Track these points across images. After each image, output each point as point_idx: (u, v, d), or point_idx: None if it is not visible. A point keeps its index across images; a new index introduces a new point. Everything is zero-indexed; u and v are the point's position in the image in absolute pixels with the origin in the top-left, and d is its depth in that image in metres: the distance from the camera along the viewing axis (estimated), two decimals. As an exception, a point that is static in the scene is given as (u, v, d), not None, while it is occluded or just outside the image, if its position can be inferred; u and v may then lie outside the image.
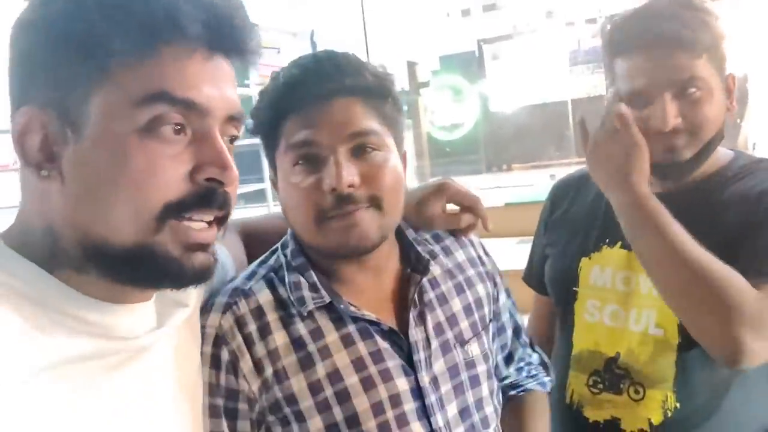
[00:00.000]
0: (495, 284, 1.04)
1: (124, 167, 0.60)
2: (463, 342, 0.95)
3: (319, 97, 0.85)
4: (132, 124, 0.60)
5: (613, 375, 1.15)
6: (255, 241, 1.03)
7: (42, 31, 0.61)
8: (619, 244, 1.17)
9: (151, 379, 0.70)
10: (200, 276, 0.65)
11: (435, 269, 0.97)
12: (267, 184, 4.68)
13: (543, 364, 1.14)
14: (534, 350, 1.14)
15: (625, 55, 1.11)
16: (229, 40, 0.64)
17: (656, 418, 1.10)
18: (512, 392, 1.08)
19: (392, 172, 0.87)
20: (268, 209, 4.33)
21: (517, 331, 1.10)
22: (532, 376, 1.11)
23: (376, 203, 0.85)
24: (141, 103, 0.59)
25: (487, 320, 1.01)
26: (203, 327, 0.86)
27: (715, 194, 1.12)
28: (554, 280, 1.27)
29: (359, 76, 0.87)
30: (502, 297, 1.06)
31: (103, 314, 0.64)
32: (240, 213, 1.07)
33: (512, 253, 1.43)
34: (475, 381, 0.95)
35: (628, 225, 1.06)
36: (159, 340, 0.71)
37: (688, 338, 1.07)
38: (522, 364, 1.11)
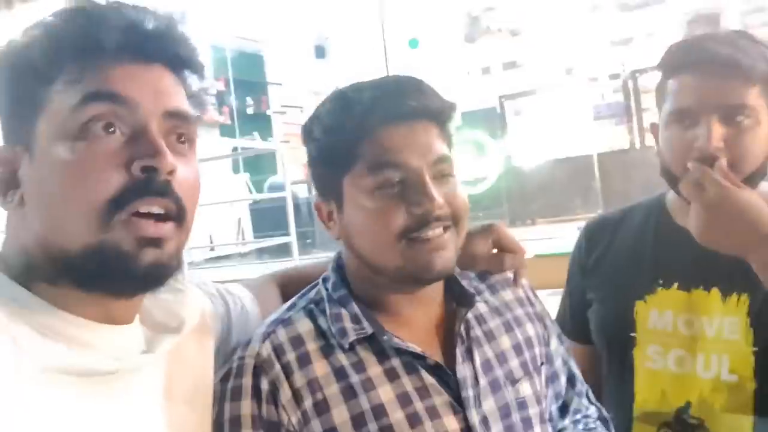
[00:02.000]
0: (545, 326, 1.01)
1: (64, 172, 0.63)
2: (513, 381, 0.91)
3: (402, 118, 0.84)
4: (69, 130, 0.63)
5: (686, 426, 1.09)
6: (294, 289, 1.01)
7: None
8: (676, 285, 1.13)
9: (137, 402, 0.69)
10: (153, 273, 0.66)
11: (481, 306, 0.95)
12: (292, 238, 4.70)
13: (602, 418, 1.07)
14: (591, 402, 1.08)
15: (679, 74, 1.10)
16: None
17: None
18: None
19: (463, 197, 0.87)
20: (293, 262, 4.31)
21: (572, 379, 1.05)
22: (589, 430, 1.05)
23: (455, 223, 0.85)
24: (76, 108, 0.63)
25: (539, 362, 0.97)
26: (241, 358, 0.84)
27: None
28: (605, 326, 1.22)
29: (437, 99, 0.87)
30: (554, 341, 1.02)
31: (89, 332, 0.65)
32: (266, 267, 1.06)
33: (545, 305, 1.40)
34: (527, 424, 0.90)
35: None
36: (147, 365, 0.70)
37: (764, 384, 1.03)
38: (578, 416, 1.05)
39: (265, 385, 0.82)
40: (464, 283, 0.93)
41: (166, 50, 0.69)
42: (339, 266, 0.93)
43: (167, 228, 0.67)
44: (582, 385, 1.08)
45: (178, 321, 0.76)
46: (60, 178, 0.63)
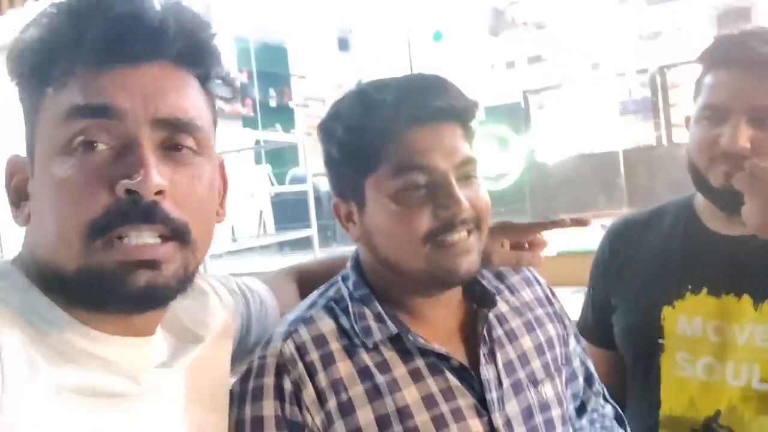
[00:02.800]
0: (564, 326, 1.01)
1: (52, 189, 0.61)
2: (536, 382, 0.91)
3: (428, 119, 0.83)
4: (54, 146, 0.61)
5: None
6: (311, 286, 0.99)
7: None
8: (705, 290, 1.11)
9: (157, 421, 0.67)
10: (148, 296, 0.62)
11: (502, 306, 0.94)
12: (313, 231, 4.70)
13: (618, 417, 1.08)
14: (607, 401, 1.08)
15: (717, 69, 1.08)
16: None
17: None
18: None
19: (486, 198, 0.87)
20: (314, 255, 4.31)
21: (589, 379, 1.05)
22: (605, 428, 1.05)
23: (478, 226, 0.84)
24: (60, 123, 0.60)
25: (560, 362, 0.96)
26: (262, 358, 0.83)
27: None
28: (630, 332, 1.20)
29: (461, 98, 0.86)
30: (572, 341, 1.02)
31: (107, 347, 0.63)
32: (287, 260, 1.06)
33: (568, 303, 1.39)
34: (550, 426, 0.90)
35: None
36: (168, 380, 0.68)
37: None
38: (595, 415, 1.06)
39: (288, 384, 0.81)
40: (484, 283, 0.93)
41: (164, 46, 0.63)
42: (358, 264, 0.91)
43: (165, 250, 0.62)
44: (599, 385, 1.07)
45: (203, 328, 0.75)
46: (49, 195, 0.61)
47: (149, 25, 0.62)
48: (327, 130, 0.88)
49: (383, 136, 0.82)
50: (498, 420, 0.85)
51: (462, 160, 0.84)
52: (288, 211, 6.71)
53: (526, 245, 1.03)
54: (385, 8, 6.89)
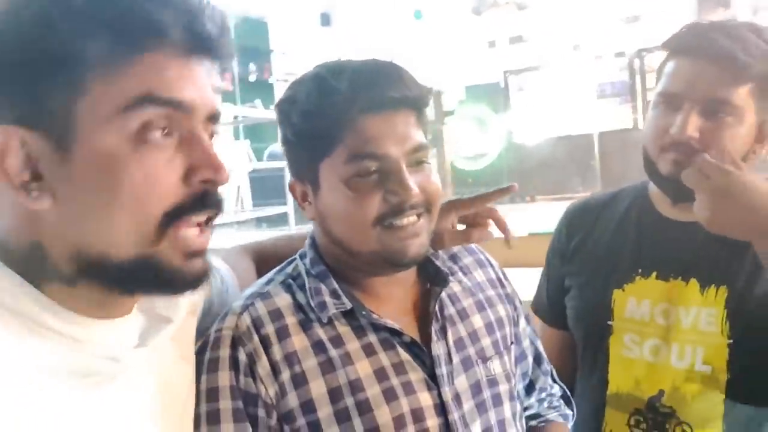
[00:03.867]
0: (515, 308, 1.04)
1: (122, 180, 0.59)
2: (485, 359, 0.93)
3: (382, 107, 0.84)
4: (122, 133, 0.58)
5: (658, 414, 1.11)
6: (268, 263, 1.01)
7: (9, 43, 0.57)
8: (655, 274, 1.13)
9: (130, 401, 0.68)
10: (199, 281, 0.65)
11: (454, 286, 0.96)
12: (289, 208, 4.70)
13: (565, 396, 1.12)
14: (555, 381, 1.12)
15: (677, 56, 1.09)
16: (208, 42, 0.63)
17: None
18: (533, 422, 1.05)
19: (437, 183, 0.89)
20: (290, 231, 4.32)
21: (538, 358, 1.08)
22: (553, 407, 1.09)
23: (428, 210, 0.86)
24: (127, 109, 0.58)
25: (509, 341, 0.99)
26: (218, 331, 0.85)
27: None
28: (582, 314, 1.22)
29: (416, 87, 0.87)
30: (522, 322, 1.05)
31: (84, 329, 0.62)
32: (262, 235, 1.06)
33: (537, 283, 1.42)
34: (497, 400, 0.93)
35: None
36: (140, 360, 0.68)
37: (738, 376, 1.04)
38: (543, 394, 1.09)
39: (243, 356, 0.83)
40: (438, 263, 0.95)
41: (214, 44, 0.63)
42: (315, 243, 0.94)
43: (207, 237, 0.66)
44: (547, 365, 1.11)
45: (174, 308, 0.75)
46: (117, 184, 0.59)
47: (219, 24, 0.63)
48: (283, 112, 0.90)
49: (337, 122, 0.84)
50: (447, 394, 0.87)
51: (413, 147, 0.86)
52: (265, 187, 6.70)
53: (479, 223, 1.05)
54: (367, -16, 6.83)
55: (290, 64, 9.54)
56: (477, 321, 0.96)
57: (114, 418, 0.65)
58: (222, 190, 0.66)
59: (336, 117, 0.83)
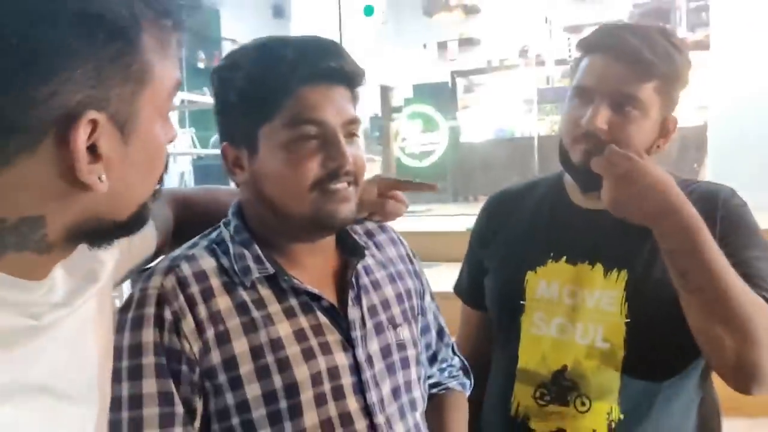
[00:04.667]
0: (422, 283, 1.12)
1: (159, 159, 0.66)
2: (395, 325, 1.01)
3: (323, 79, 0.91)
4: (162, 117, 0.64)
5: (561, 387, 1.18)
6: (188, 213, 1.05)
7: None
8: (564, 258, 1.22)
9: (57, 356, 0.67)
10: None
11: (369, 259, 1.04)
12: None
13: (464, 368, 1.21)
14: (455, 354, 1.21)
15: (588, 54, 1.18)
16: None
17: (601, 429, 1.14)
18: (434, 390, 1.13)
19: (363, 157, 0.96)
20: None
21: (440, 332, 1.17)
22: (453, 377, 1.18)
23: (356, 181, 0.94)
24: (169, 97, 0.64)
25: (416, 312, 1.08)
26: (143, 290, 0.88)
27: None
28: (498, 293, 1.31)
29: (353, 64, 0.95)
30: (428, 297, 1.14)
31: (19, 290, 0.62)
32: None
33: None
34: (405, 363, 1.01)
35: (676, 249, 1.03)
36: (67, 318, 0.68)
37: (633, 352, 1.14)
38: (444, 365, 1.18)
39: (168, 314, 0.86)
40: (356, 237, 1.02)
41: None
42: (240, 211, 0.98)
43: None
44: (449, 338, 1.19)
45: (101, 267, 0.76)
46: (154, 163, 0.66)
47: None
48: (224, 78, 0.93)
49: (281, 88, 0.89)
50: (361, 355, 0.94)
51: (349, 119, 0.92)
52: (210, 175, 6.64)
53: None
54: (321, -22, 6.84)
55: (240, 54, 9.44)
56: (389, 291, 1.04)
57: (37, 375, 0.63)
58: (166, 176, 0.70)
59: (280, 83, 0.89)
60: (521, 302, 1.24)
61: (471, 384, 1.21)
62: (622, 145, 1.08)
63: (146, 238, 0.96)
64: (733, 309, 1.00)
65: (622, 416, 1.14)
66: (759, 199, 4.40)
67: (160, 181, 0.68)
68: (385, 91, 7.57)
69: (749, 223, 1.17)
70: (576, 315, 1.19)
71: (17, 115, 0.54)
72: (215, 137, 7.47)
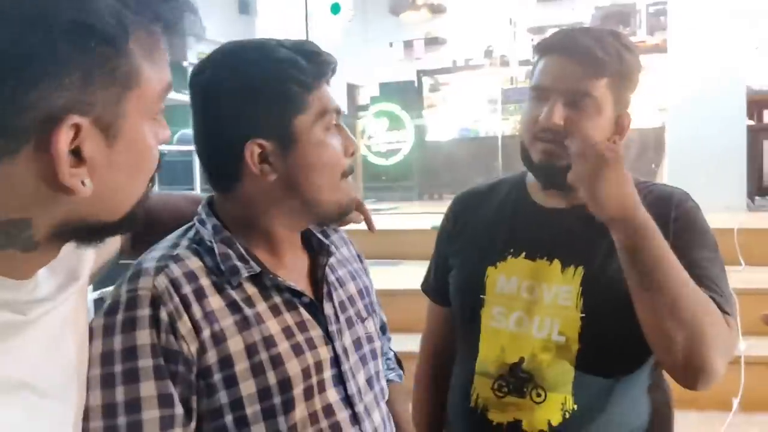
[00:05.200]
0: (369, 281, 1.17)
1: (147, 159, 0.66)
2: (362, 319, 1.06)
3: (329, 75, 0.98)
4: (151, 119, 0.65)
5: (518, 379, 1.22)
6: (147, 219, 1.06)
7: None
8: (524, 254, 1.27)
9: (42, 349, 0.67)
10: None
11: (331, 258, 1.06)
12: (196, 192, 4.67)
13: (398, 360, 1.27)
14: (390, 348, 1.28)
15: (545, 55, 1.24)
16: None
17: (555, 419, 1.19)
18: None
19: None
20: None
21: (383, 327, 1.24)
22: (391, 369, 1.23)
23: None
24: (158, 99, 0.64)
25: (373, 307, 1.12)
26: (132, 291, 0.87)
27: None
28: (461, 288, 1.35)
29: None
30: (373, 294, 1.18)
31: (7, 289, 0.63)
32: None
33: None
34: (373, 354, 1.06)
35: (629, 248, 1.07)
36: (51, 312, 0.68)
37: (587, 346, 1.19)
38: (385, 358, 1.23)
39: (164, 315, 0.85)
40: (319, 236, 1.06)
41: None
42: (214, 211, 0.99)
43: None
44: (388, 332, 1.26)
45: (81, 265, 0.76)
46: (141, 164, 0.66)
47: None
48: (248, 72, 0.92)
49: (308, 83, 0.93)
50: (339, 348, 0.98)
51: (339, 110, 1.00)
52: (174, 171, 6.57)
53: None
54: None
55: (206, 49, 9.36)
56: (351, 288, 1.08)
57: (20, 371, 0.63)
58: None
59: (309, 77, 0.93)
60: (481, 296, 1.28)
61: (403, 372, 1.26)
62: (578, 141, 1.12)
63: (113, 239, 0.95)
64: (683, 308, 1.04)
65: (575, 407, 1.18)
66: (714, 199, 4.56)
67: (152, 180, 0.68)
68: (351, 90, 7.59)
69: (701, 225, 1.22)
70: (534, 309, 1.24)
71: (2, 120, 0.54)
72: (180, 132, 7.41)
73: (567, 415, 1.18)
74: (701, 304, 1.07)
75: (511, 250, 1.28)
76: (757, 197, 4.97)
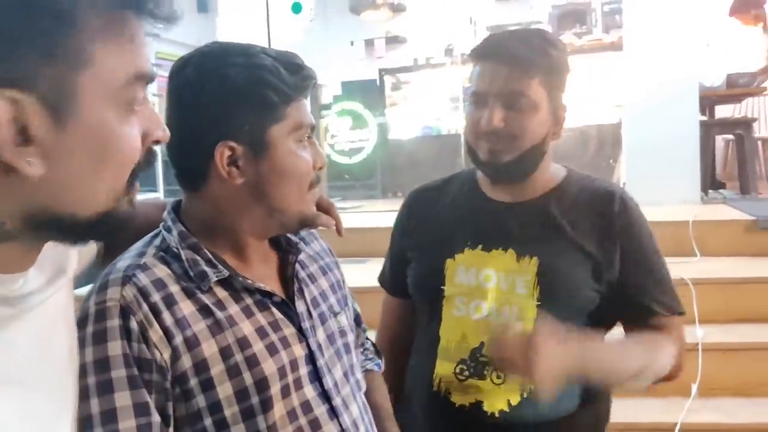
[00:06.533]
0: (341, 274, 1.19)
1: (113, 148, 0.61)
2: (335, 313, 1.08)
3: (307, 90, 0.99)
4: (118, 106, 0.61)
5: (478, 363, 1.30)
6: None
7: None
8: (480, 246, 1.34)
9: (32, 340, 0.67)
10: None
11: (301, 254, 1.08)
12: (160, 194, 4.63)
13: (375, 350, 1.32)
14: (367, 338, 1.32)
15: (479, 62, 1.31)
16: (158, 14, 0.64)
17: (514, 399, 1.27)
18: None
19: None
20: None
21: (357, 318, 1.27)
22: (369, 359, 1.28)
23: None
24: (125, 86, 0.61)
25: (345, 301, 1.14)
26: (100, 303, 0.86)
27: (557, 204, 1.33)
28: (420, 280, 1.41)
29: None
30: (346, 287, 1.21)
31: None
32: None
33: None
34: (347, 348, 1.08)
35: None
36: (40, 306, 0.68)
37: (536, 329, 1.23)
38: (362, 348, 1.28)
39: (134, 325, 0.85)
40: (288, 234, 1.07)
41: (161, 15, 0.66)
42: (178, 217, 0.99)
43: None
44: (363, 323, 1.28)
45: (67, 261, 0.75)
46: (108, 153, 0.62)
47: None
48: (229, 74, 0.92)
49: (288, 95, 0.94)
50: (313, 344, 1.00)
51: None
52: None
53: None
54: (246, -26, 6.77)
55: (164, 48, 9.23)
56: (323, 283, 1.10)
57: (10, 365, 0.63)
58: None
59: (288, 91, 0.95)
60: (442, 287, 1.34)
61: (382, 363, 1.30)
62: (520, 138, 1.25)
63: (90, 245, 0.95)
64: (647, 376, 1.24)
65: (532, 386, 1.23)
66: (669, 192, 4.66)
67: (134, 176, 0.66)
68: (314, 89, 7.56)
69: (645, 223, 1.33)
70: (492, 297, 1.31)
71: None
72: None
73: (525, 395, 1.26)
74: (653, 356, 1.24)
75: (468, 243, 1.35)
76: (710, 190, 5.12)
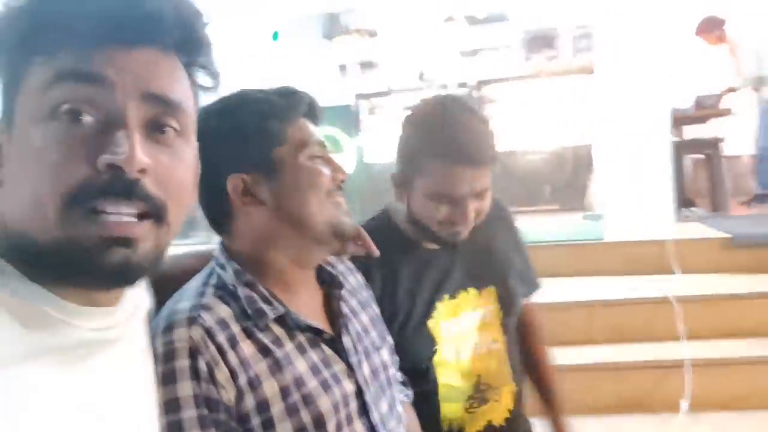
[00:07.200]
0: (378, 307, 1.22)
1: (32, 157, 0.58)
2: (377, 348, 1.09)
3: (304, 109, 1.05)
4: (38, 111, 0.58)
5: (481, 392, 1.42)
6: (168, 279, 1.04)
7: None
8: (447, 296, 1.42)
9: (121, 369, 0.69)
10: (121, 273, 0.61)
11: (342, 289, 1.10)
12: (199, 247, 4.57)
13: (404, 382, 1.34)
14: (397, 370, 1.31)
15: (442, 161, 1.29)
16: (142, 31, 0.61)
17: (510, 403, 1.45)
18: None
19: None
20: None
21: (391, 350, 1.26)
22: (401, 390, 1.30)
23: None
24: (46, 88, 0.58)
25: (384, 334, 1.15)
26: (169, 343, 0.88)
27: (477, 231, 1.39)
28: (408, 348, 1.36)
29: None
30: (382, 321, 1.22)
31: (69, 315, 0.61)
32: None
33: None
34: (389, 383, 1.11)
35: None
36: (124, 336, 0.69)
37: (507, 340, 1.46)
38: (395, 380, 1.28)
39: (202, 365, 0.87)
40: (329, 269, 1.09)
41: (159, 33, 0.62)
42: (230, 254, 1.01)
43: (141, 228, 0.61)
44: (395, 355, 1.28)
45: (139, 297, 0.76)
46: (27, 163, 0.58)
47: (148, 11, 0.61)
48: (224, 114, 0.99)
49: (288, 120, 0.99)
50: (360, 379, 1.02)
51: None
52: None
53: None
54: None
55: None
56: (364, 317, 1.11)
57: (99, 392, 0.64)
58: (147, 180, 0.62)
59: (286, 116, 1.00)
60: (434, 348, 1.39)
61: (412, 395, 1.31)
62: (479, 213, 1.32)
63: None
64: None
65: (515, 387, 1.44)
66: (642, 212, 4.74)
67: (85, 203, 0.59)
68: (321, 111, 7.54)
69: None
70: (474, 334, 1.42)
71: None
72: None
73: (514, 396, 1.44)
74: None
75: (435, 299, 1.41)
76: (682, 209, 5.24)
